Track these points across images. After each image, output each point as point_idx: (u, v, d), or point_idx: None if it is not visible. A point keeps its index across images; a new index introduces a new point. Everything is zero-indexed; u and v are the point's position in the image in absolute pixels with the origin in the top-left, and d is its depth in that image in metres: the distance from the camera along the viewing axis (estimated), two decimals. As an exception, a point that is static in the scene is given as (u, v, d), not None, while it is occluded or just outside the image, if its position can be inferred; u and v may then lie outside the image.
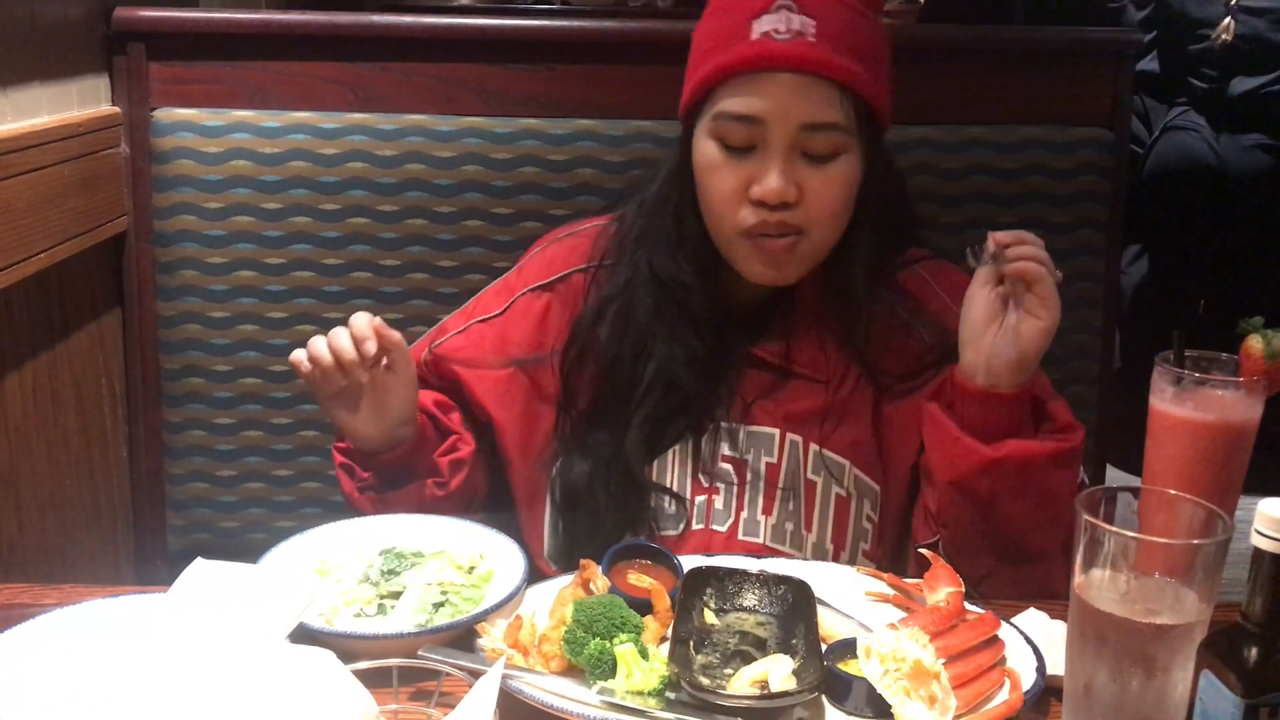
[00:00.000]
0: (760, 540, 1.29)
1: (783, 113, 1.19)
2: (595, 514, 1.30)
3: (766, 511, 1.30)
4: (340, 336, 1.23)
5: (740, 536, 1.30)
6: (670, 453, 1.32)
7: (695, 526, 1.30)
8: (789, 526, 1.30)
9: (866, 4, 1.23)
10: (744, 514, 1.30)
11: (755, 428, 1.31)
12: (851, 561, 1.30)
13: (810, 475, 1.30)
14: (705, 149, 1.24)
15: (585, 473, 1.31)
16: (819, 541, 1.30)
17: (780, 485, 1.30)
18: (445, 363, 1.39)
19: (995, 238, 1.18)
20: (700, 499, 1.31)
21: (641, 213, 1.36)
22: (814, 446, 1.30)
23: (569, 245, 1.41)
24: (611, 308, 1.33)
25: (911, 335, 1.32)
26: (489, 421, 1.38)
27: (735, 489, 1.31)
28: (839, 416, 1.31)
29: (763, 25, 1.19)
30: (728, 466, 1.31)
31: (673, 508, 1.30)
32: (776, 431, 1.31)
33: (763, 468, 1.31)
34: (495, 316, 1.39)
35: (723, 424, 1.31)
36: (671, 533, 1.31)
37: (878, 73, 1.23)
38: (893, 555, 1.33)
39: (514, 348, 1.37)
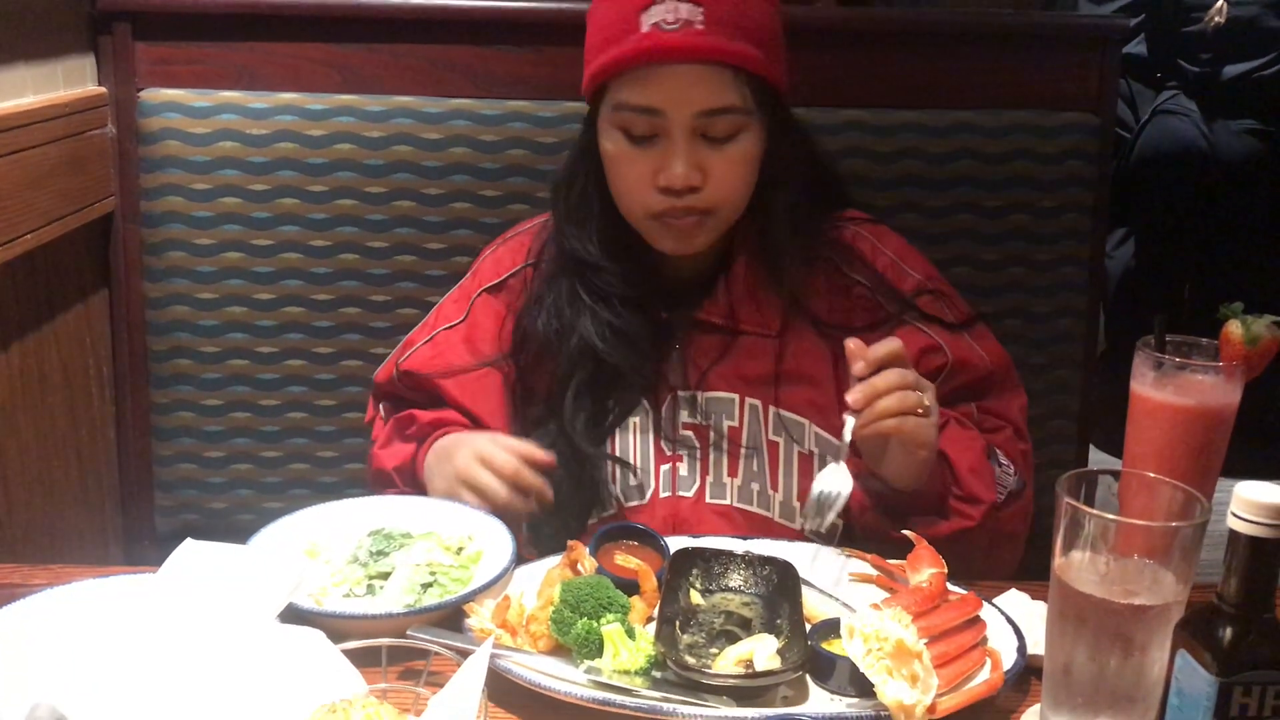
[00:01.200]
0: (727, 502, 1.32)
1: (680, 102, 1.22)
2: (556, 495, 1.30)
3: (731, 473, 1.32)
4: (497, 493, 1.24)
5: (707, 500, 1.32)
6: (631, 425, 1.34)
7: (663, 494, 1.32)
8: (755, 486, 1.32)
9: None
10: (709, 478, 1.33)
11: (714, 393, 1.34)
12: None
13: (771, 436, 1.33)
14: (610, 139, 1.27)
15: None
16: (785, 500, 1.32)
17: (744, 446, 1.32)
18: (416, 375, 1.41)
19: (849, 399, 1.13)
20: (665, 467, 1.33)
21: (554, 195, 1.39)
22: (772, 408, 1.32)
23: (515, 244, 1.45)
24: (547, 295, 1.36)
25: (856, 291, 1.35)
26: (473, 420, 1.39)
27: (699, 454, 1.33)
28: (793, 377, 1.33)
29: (652, 16, 1.20)
30: (689, 433, 1.33)
31: (635, 479, 1.32)
32: (736, 396, 1.33)
33: (725, 431, 1.33)
34: (459, 324, 1.42)
35: (680, 393, 1.34)
36: (638, 502, 1.33)
37: (769, 47, 1.25)
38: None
39: (481, 348, 1.40)
